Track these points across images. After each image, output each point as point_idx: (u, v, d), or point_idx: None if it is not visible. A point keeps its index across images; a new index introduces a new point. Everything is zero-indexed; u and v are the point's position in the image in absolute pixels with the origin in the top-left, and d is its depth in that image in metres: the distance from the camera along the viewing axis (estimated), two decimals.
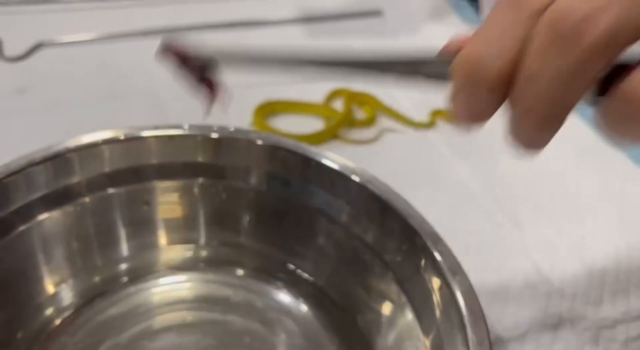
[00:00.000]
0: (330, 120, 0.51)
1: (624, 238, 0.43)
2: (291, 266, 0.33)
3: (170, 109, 0.51)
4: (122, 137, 0.27)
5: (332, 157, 0.32)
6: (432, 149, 0.51)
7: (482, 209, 0.45)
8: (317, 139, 0.49)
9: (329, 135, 0.49)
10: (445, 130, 0.53)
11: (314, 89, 0.55)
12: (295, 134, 0.48)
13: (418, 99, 0.56)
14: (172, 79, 0.53)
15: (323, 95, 0.54)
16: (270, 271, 0.33)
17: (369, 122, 0.52)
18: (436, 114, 0.54)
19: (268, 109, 0.51)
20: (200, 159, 0.31)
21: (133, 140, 0.28)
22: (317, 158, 0.31)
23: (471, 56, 0.20)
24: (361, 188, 0.31)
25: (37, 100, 0.51)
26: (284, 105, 0.52)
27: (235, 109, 0.50)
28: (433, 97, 0.56)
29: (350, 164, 0.32)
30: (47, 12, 0.64)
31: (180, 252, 0.31)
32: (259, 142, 0.31)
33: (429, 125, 0.53)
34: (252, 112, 0.49)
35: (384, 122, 0.53)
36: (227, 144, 0.31)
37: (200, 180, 0.31)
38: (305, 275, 0.33)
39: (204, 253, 0.31)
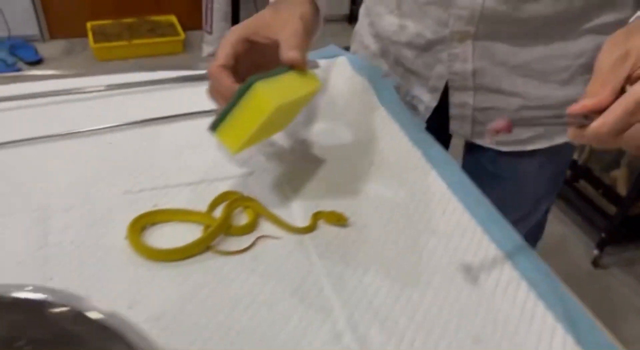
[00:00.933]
0: (208, 230, 0.52)
1: None
2: None
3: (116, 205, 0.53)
4: None
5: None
6: (304, 257, 0.51)
7: (335, 328, 0.45)
8: (188, 252, 0.50)
9: (200, 247, 0.51)
10: (323, 234, 0.54)
11: (203, 193, 0.57)
12: (164, 249, 0.50)
13: (305, 200, 0.58)
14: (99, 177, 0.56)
15: (210, 199, 0.56)
16: None
17: (248, 229, 0.53)
18: (317, 216, 0.55)
19: (146, 220, 0.53)
20: None
21: None
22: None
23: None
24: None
25: None
26: (163, 214, 0.54)
27: (123, 217, 0.53)
28: (318, 201, 0.57)
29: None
30: None
31: None
32: None
33: (309, 229, 0.54)
34: (127, 227, 0.51)
35: (265, 227, 0.54)
36: None
37: None
38: None
39: None
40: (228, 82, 0.52)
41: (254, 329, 0.45)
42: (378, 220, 0.56)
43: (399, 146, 0.67)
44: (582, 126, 0.44)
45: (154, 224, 0.53)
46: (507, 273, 0.51)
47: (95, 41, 2.55)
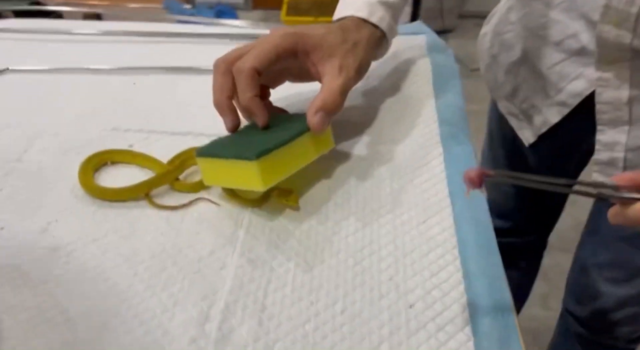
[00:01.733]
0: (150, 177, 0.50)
1: None
2: None
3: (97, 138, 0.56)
4: None
5: None
6: (230, 230, 0.46)
7: (206, 310, 0.40)
8: (122, 194, 0.49)
9: (135, 192, 0.49)
10: (268, 212, 0.48)
11: (183, 144, 0.54)
12: (102, 187, 0.49)
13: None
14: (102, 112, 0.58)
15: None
16: None
17: (195, 188, 0.50)
18: (270, 191, 0.48)
19: (106, 157, 0.52)
20: None
21: None
22: None
23: None
24: None
25: None
26: (121, 155, 0.53)
27: (95, 150, 0.53)
28: (289, 179, 0.50)
29: None
30: (14, 40, 0.75)
31: None
32: None
33: (255, 203, 0.48)
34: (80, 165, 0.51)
35: (215, 191, 0.50)
36: None
37: None
38: None
39: None
40: (249, 93, 0.47)
41: (128, 287, 0.41)
42: (337, 213, 0.48)
43: (424, 139, 0.56)
44: (626, 203, 0.34)
45: (114, 162, 0.53)
46: (451, 315, 0.40)
47: (287, 14, 2.69)
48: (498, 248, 0.45)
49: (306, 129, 0.48)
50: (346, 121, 0.58)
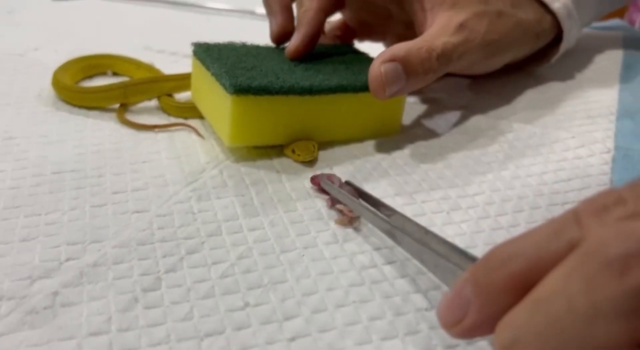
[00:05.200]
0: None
1: None
2: None
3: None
4: None
5: None
6: (187, 169, 0.28)
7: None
8: (87, 98, 0.34)
9: (106, 96, 0.33)
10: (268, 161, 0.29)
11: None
12: (65, 84, 0.34)
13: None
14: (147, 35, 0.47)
15: None
16: None
17: (185, 112, 0.33)
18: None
19: (102, 63, 0.38)
20: None
21: None
22: None
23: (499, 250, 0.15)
24: None
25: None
26: (123, 63, 0.38)
27: None
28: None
29: None
30: None
31: None
32: None
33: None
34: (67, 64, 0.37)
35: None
36: None
37: None
38: None
39: None
40: (312, 28, 0.32)
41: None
42: (380, 188, 0.27)
43: (584, 130, 0.33)
44: None
45: (117, 74, 0.39)
46: None
47: None
48: None
49: (360, 86, 0.29)
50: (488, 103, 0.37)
